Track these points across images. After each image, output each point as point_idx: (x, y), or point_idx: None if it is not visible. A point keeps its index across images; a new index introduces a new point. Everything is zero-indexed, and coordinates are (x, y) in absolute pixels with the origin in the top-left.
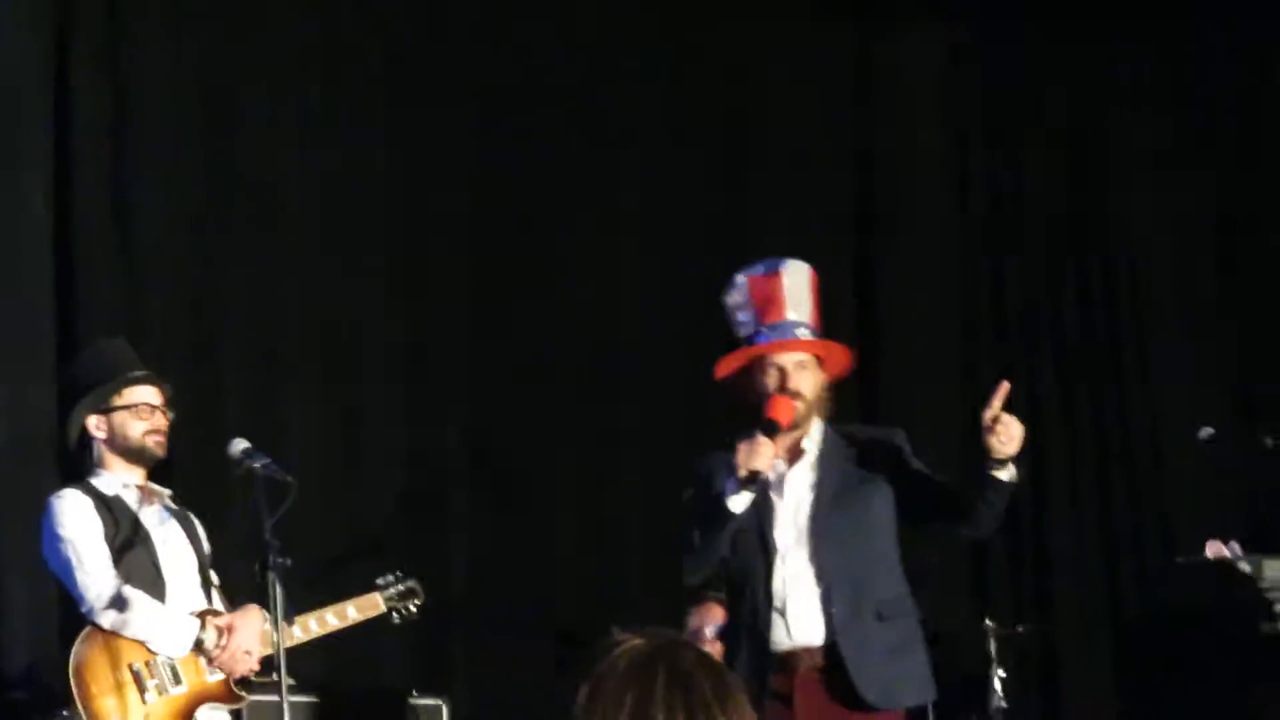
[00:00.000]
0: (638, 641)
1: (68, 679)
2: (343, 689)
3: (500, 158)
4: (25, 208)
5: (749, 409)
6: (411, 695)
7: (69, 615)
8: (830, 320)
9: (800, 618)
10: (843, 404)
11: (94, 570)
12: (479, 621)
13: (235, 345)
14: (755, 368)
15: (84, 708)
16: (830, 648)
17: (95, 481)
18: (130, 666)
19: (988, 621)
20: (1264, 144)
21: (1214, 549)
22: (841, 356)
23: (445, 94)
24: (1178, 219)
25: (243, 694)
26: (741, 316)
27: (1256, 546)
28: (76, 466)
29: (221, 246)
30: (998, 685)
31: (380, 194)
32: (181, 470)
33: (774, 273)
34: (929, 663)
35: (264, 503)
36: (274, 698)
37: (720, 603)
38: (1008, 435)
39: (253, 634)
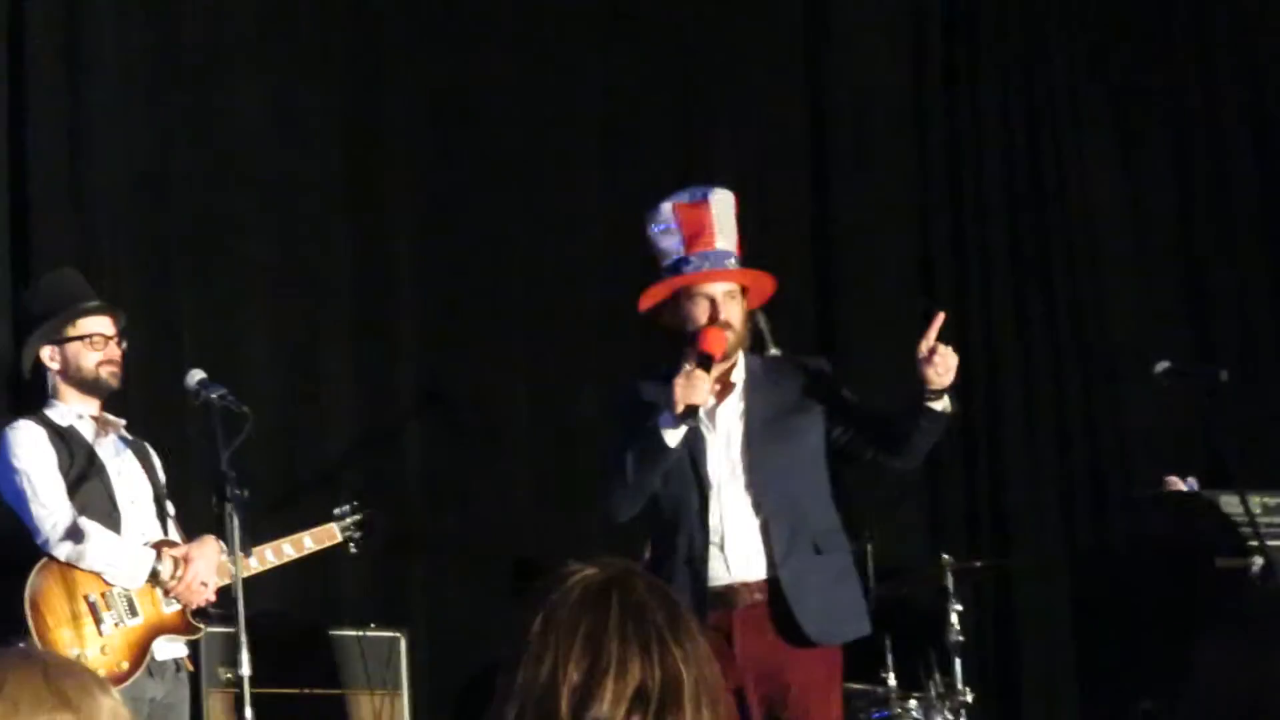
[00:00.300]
0: (591, 571)
1: (23, 610)
2: (300, 622)
3: (457, 99)
4: None
5: (674, 339)
6: (369, 629)
7: (23, 546)
8: (785, 256)
9: (739, 551)
10: (800, 338)
11: (49, 501)
12: (437, 554)
13: (190, 278)
14: (683, 297)
15: (40, 639)
16: (770, 581)
17: (50, 413)
18: (86, 598)
19: (945, 556)
20: (1221, 72)
21: (1172, 486)
22: (767, 284)
23: (402, 39)
24: (1134, 153)
25: (199, 625)
26: (667, 244)
27: (1212, 483)
28: (31, 398)
29: (176, 181)
30: (954, 619)
31: (335, 128)
32: (137, 400)
33: (702, 200)
34: (863, 596)
35: (221, 434)
36: (230, 629)
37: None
38: (944, 366)
39: (209, 565)
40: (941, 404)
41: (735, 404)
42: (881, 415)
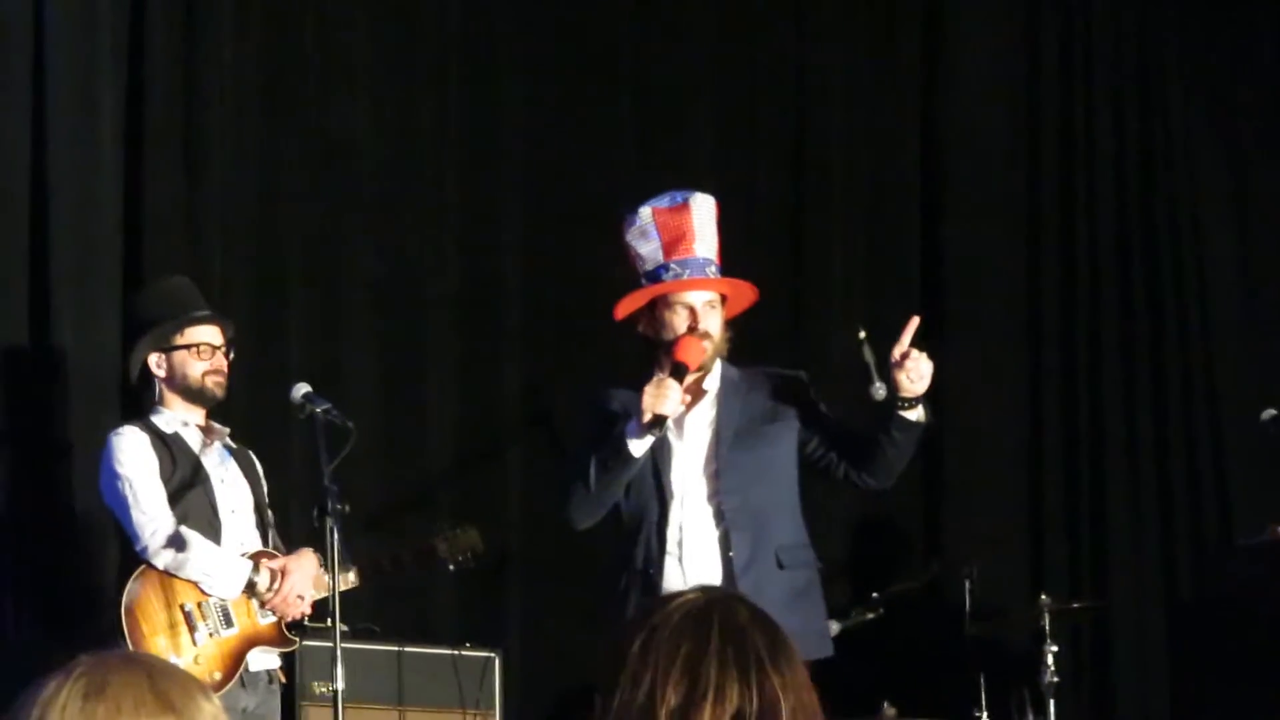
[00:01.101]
0: (692, 595)
1: (120, 617)
2: (395, 638)
3: (565, 117)
4: (98, 150)
5: (649, 346)
6: (465, 647)
7: (124, 553)
8: (896, 283)
9: (696, 561)
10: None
11: (150, 509)
12: (533, 574)
13: (298, 293)
14: (661, 306)
15: (135, 646)
16: None
17: (155, 419)
18: (183, 607)
19: (1044, 597)
20: None
21: (1277, 534)
22: (747, 293)
23: (513, 55)
24: (1241, 204)
25: (294, 638)
26: (645, 250)
27: None
28: (138, 403)
29: (287, 197)
30: (1050, 660)
31: (445, 147)
32: (241, 411)
33: (682, 205)
34: (826, 617)
35: (324, 448)
36: (327, 643)
37: None
38: (917, 373)
39: (306, 578)
40: (915, 413)
41: (706, 412)
42: (856, 430)
